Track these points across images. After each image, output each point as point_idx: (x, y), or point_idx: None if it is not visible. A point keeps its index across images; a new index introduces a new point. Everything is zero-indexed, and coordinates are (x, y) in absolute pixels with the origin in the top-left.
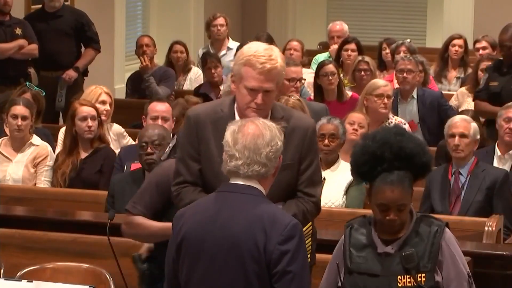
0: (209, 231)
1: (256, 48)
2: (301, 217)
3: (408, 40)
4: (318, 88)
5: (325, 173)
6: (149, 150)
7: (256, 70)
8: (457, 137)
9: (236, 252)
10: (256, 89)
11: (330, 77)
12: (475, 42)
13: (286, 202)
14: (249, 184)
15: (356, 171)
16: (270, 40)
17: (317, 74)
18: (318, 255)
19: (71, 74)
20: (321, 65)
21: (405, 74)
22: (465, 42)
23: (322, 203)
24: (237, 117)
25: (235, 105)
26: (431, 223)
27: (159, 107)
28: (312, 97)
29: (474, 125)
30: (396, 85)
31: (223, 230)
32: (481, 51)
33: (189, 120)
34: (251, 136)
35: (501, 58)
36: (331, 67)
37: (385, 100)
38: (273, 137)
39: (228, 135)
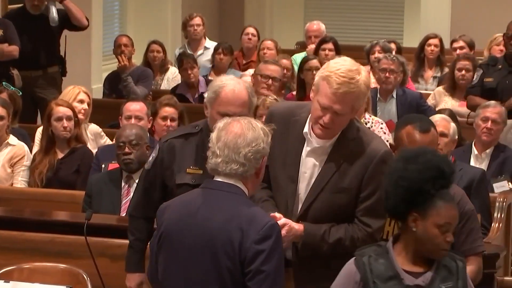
0: (188, 225)
1: (340, 66)
2: (349, 243)
3: (383, 40)
4: (301, 83)
5: None
6: (126, 150)
7: (331, 89)
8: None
9: (210, 247)
10: (326, 107)
11: (314, 72)
12: (452, 42)
13: (338, 224)
14: (231, 183)
15: (412, 193)
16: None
17: (301, 69)
18: None
19: None
20: (305, 60)
21: (387, 74)
22: (441, 41)
23: None
24: (307, 126)
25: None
26: (453, 256)
27: (133, 107)
28: (294, 93)
29: (453, 124)
30: (374, 84)
31: (201, 225)
32: (458, 51)
33: (267, 116)
34: (233, 135)
35: (494, 55)
36: (315, 62)
37: None
38: (255, 138)
39: (214, 132)
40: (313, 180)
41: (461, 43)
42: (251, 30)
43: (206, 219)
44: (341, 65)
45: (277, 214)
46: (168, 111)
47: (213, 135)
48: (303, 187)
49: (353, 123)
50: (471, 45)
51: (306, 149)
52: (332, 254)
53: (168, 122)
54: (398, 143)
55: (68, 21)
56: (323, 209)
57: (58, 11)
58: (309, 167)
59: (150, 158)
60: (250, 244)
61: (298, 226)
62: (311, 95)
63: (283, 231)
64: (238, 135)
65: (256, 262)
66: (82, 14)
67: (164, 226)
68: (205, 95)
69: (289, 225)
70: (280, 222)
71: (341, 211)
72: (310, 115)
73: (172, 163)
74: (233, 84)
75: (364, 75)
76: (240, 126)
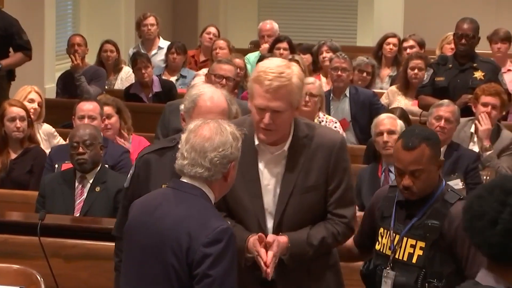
0: (144, 223)
1: (269, 64)
2: (331, 240)
3: (330, 40)
4: None
5: None
6: (80, 150)
7: (263, 87)
8: (385, 134)
9: (160, 247)
10: (263, 108)
11: None
12: (402, 41)
13: (315, 225)
14: (195, 185)
15: None
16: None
17: None
18: None
19: None
20: (262, 58)
21: (339, 72)
22: (399, 40)
23: None
24: (255, 137)
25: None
26: None
27: (86, 107)
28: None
29: (400, 121)
30: (325, 84)
31: (154, 225)
32: (408, 50)
33: None
34: (201, 138)
35: (444, 54)
36: None
37: (307, 98)
38: (223, 143)
39: (185, 133)
40: (279, 190)
41: (411, 42)
42: (213, 30)
43: (160, 219)
44: (269, 63)
45: (263, 235)
46: (104, 110)
47: (183, 137)
48: (270, 200)
49: (299, 120)
50: (421, 44)
51: (261, 161)
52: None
53: (105, 121)
54: (393, 157)
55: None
56: (296, 215)
57: (4, 18)
58: (270, 178)
59: (128, 176)
60: (198, 247)
61: (282, 239)
62: (249, 104)
63: (274, 248)
64: (206, 138)
65: (203, 266)
66: (23, 59)
67: (127, 223)
68: (181, 107)
69: (276, 240)
70: (269, 239)
71: (314, 210)
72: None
73: (148, 179)
74: (210, 91)
75: (296, 69)
76: (209, 130)
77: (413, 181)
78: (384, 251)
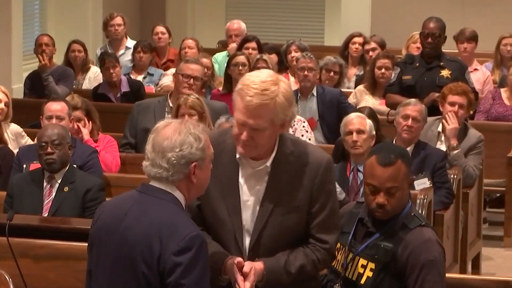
0: (114, 231)
1: (254, 78)
2: (310, 267)
3: (299, 39)
4: (228, 78)
5: None
6: (49, 149)
7: (243, 102)
8: (354, 134)
9: (130, 255)
10: (242, 123)
11: (241, 67)
12: (364, 44)
13: (294, 250)
14: (162, 188)
15: None
16: None
17: (228, 65)
18: None
19: None
20: (232, 56)
21: (306, 72)
22: (365, 40)
23: None
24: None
25: None
26: None
27: (54, 107)
28: (220, 89)
29: (369, 121)
30: (294, 84)
31: (123, 232)
32: (370, 53)
33: None
34: (161, 138)
35: (411, 53)
36: (241, 58)
37: None
38: (182, 143)
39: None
40: (258, 207)
41: (372, 45)
42: (160, 29)
43: (128, 228)
44: (255, 76)
45: (241, 262)
46: (73, 114)
47: (149, 137)
48: (248, 217)
49: (285, 136)
50: (382, 45)
51: (242, 175)
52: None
53: (75, 125)
54: (364, 174)
55: None
56: (275, 235)
57: None
58: (250, 194)
59: None
60: (168, 256)
61: (258, 265)
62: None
63: (251, 277)
64: (165, 138)
65: (175, 275)
66: None
67: (96, 226)
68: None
69: (253, 268)
70: (245, 269)
71: (293, 232)
72: None
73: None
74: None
75: (284, 86)
76: (170, 130)
77: (387, 199)
78: (337, 267)
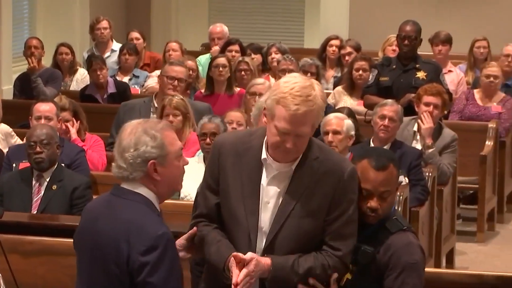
0: (88, 232)
1: (293, 85)
2: (320, 271)
3: (279, 42)
4: (209, 80)
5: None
6: (38, 149)
7: (289, 111)
8: (330, 134)
9: (104, 258)
10: (287, 132)
11: (221, 69)
12: (340, 48)
13: (306, 254)
14: (130, 189)
15: None
16: None
17: (210, 67)
18: None
19: None
20: (214, 58)
21: (287, 74)
22: (342, 42)
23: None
24: (264, 152)
25: (265, 138)
26: None
27: (42, 108)
28: (202, 91)
29: (347, 121)
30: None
31: (96, 234)
32: (346, 57)
33: (214, 148)
34: (120, 140)
35: (388, 56)
36: (222, 60)
37: (257, 98)
38: (136, 142)
39: None
40: (277, 209)
41: (348, 49)
42: (134, 34)
43: (100, 232)
44: (293, 83)
45: (239, 254)
46: (61, 115)
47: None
48: (267, 219)
49: (313, 141)
50: (358, 48)
51: (265, 177)
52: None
53: (63, 126)
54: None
55: None
56: (291, 238)
57: None
58: (271, 196)
59: None
60: (136, 256)
61: (265, 260)
62: (264, 119)
63: (251, 266)
64: (123, 139)
65: (143, 274)
66: None
67: (76, 231)
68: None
69: (255, 259)
70: (246, 256)
71: (309, 238)
72: (264, 140)
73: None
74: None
75: (318, 88)
76: (128, 130)
77: (380, 204)
78: None
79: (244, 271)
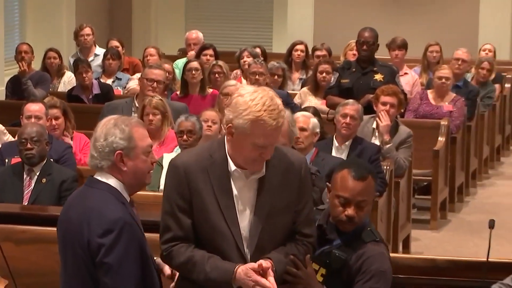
0: (61, 221)
1: (260, 100)
2: (302, 258)
3: (251, 46)
4: (184, 83)
5: None
6: (28, 145)
7: (270, 127)
8: (297, 131)
9: (71, 242)
10: (267, 145)
11: (194, 72)
12: (314, 50)
13: (287, 245)
14: (99, 179)
15: None
16: None
17: (184, 70)
18: None
19: None
20: (187, 62)
21: (257, 76)
22: (306, 47)
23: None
24: (230, 163)
25: (226, 150)
26: None
27: (33, 107)
28: (178, 92)
29: (313, 120)
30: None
31: (66, 221)
32: (321, 58)
33: (177, 170)
34: (95, 130)
35: (348, 60)
36: (195, 64)
37: (227, 99)
38: (106, 134)
39: None
40: (254, 214)
41: (324, 52)
42: (114, 43)
43: (69, 219)
44: (260, 98)
45: (262, 263)
46: (52, 112)
47: None
48: (246, 226)
49: None
50: (330, 52)
51: (236, 186)
52: None
53: (53, 122)
54: (333, 186)
55: None
56: (272, 237)
57: None
58: (245, 203)
59: None
60: (94, 238)
61: (268, 262)
62: (227, 136)
63: (271, 272)
64: (96, 131)
65: (100, 255)
66: None
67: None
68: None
69: (271, 263)
70: (265, 264)
71: (286, 230)
72: (227, 152)
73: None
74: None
75: (272, 91)
76: (101, 124)
77: (357, 212)
78: None
79: (271, 278)
